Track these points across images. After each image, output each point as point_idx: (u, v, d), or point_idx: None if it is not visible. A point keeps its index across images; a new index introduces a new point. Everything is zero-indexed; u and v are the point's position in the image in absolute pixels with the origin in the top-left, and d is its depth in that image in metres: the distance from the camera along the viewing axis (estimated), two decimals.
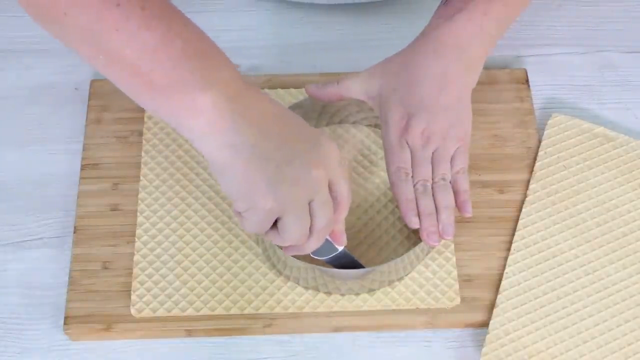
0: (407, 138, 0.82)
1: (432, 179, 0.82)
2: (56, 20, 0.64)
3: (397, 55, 0.85)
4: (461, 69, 0.83)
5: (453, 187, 0.82)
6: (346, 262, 0.80)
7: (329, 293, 0.83)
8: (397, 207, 0.87)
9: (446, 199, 0.81)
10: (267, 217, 0.70)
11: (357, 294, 0.83)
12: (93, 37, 0.64)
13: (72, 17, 0.63)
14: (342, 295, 0.83)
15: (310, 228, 0.72)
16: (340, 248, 0.78)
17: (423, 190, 0.81)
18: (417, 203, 0.81)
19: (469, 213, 0.82)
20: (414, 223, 0.81)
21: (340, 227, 0.77)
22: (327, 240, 0.76)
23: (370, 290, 0.83)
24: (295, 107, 0.88)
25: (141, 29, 0.64)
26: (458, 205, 0.82)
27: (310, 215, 0.71)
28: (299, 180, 0.69)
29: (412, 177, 0.82)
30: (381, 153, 0.90)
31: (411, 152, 0.82)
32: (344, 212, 0.75)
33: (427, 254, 0.84)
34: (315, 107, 0.89)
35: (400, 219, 0.86)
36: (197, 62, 0.66)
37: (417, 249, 0.81)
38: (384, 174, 0.89)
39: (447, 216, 0.81)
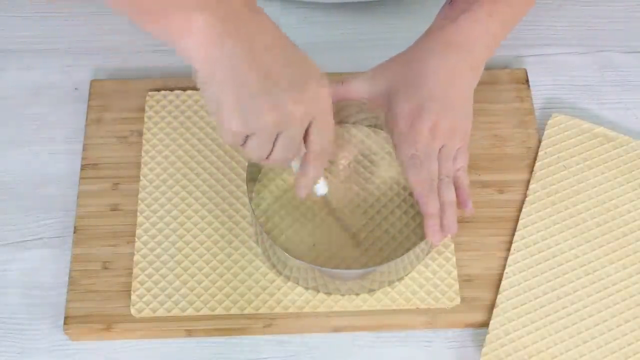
0: (414, 133, 0.81)
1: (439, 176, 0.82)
2: None
3: (401, 54, 0.85)
4: (466, 69, 0.83)
5: (454, 184, 0.82)
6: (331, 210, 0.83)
7: (329, 293, 0.83)
8: (397, 207, 0.87)
9: (451, 195, 0.81)
10: (234, 137, 0.71)
11: (357, 294, 0.83)
12: None
13: None
14: (342, 295, 0.83)
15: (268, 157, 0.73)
16: (320, 192, 0.80)
17: (429, 187, 0.81)
18: (423, 203, 0.81)
19: (471, 209, 0.82)
20: (432, 207, 0.81)
21: (302, 176, 0.77)
22: None
23: (371, 291, 0.83)
24: None
25: None
26: (460, 202, 0.82)
27: (273, 145, 0.72)
28: (270, 112, 0.69)
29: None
30: (381, 153, 0.90)
31: (418, 149, 0.82)
32: (312, 161, 0.75)
33: (427, 254, 0.84)
34: None
35: (400, 219, 0.86)
36: None
37: (417, 249, 0.81)
38: (385, 174, 0.89)
39: (452, 213, 0.81)
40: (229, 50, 0.67)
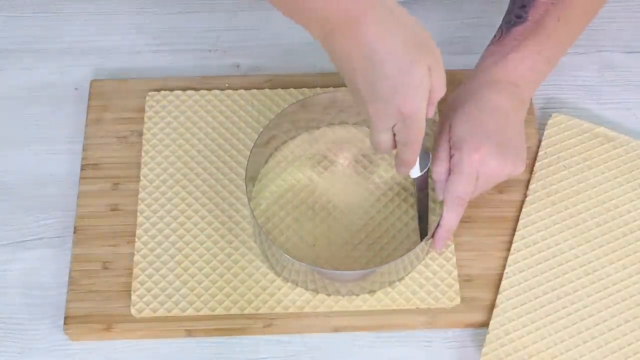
0: (478, 166, 0.81)
1: None
2: None
3: (460, 95, 0.85)
4: (517, 104, 0.85)
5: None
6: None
7: (329, 294, 0.83)
8: (397, 207, 0.87)
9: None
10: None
11: (357, 295, 0.83)
12: None
13: None
14: (343, 296, 0.83)
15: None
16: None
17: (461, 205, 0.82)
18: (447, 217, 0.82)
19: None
20: (440, 249, 0.84)
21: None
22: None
23: (371, 291, 0.83)
24: (297, 106, 0.88)
25: None
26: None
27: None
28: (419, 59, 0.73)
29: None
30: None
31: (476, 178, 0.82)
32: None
33: (427, 254, 0.84)
34: (316, 108, 0.89)
35: (400, 219, 0.87)
36: None
37: (417, 249, 0.81)
38: (385, 174, 0.89)
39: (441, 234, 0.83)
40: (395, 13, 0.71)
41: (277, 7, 0.72)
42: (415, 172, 0.81)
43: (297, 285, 0.83)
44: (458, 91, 0.86)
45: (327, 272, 0.81)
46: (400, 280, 0.83)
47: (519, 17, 0.86)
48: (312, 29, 0.72)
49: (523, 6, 0.86)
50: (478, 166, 0.80)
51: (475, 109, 0.83)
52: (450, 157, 0.81)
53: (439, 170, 0.82)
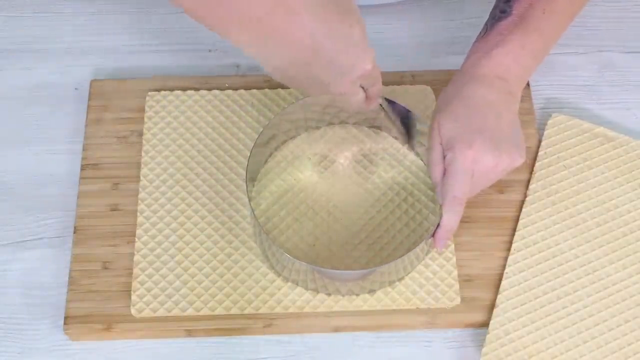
0: (474, 164, 0.80)
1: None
2: None
3: (447, 95, 0.84)
4: (506, 97, 0.84)
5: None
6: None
7: (329, 294, 0.83)
8: (397, 207, 0.87)
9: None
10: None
11: (358, 295, 0.83)
12: None
13: None
14: (343, 296, 0.83)
15: None
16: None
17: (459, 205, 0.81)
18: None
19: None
20: (441, 247, 0.81)
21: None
22: None
23: (371, 291, 0.83)
24: (296, 107, 0.88)
25: None
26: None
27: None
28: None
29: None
30: (382, 153, 0.90)
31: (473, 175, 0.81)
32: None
33: (427, 254, 0.84)
34: (316, 108, 0.89)
35: (400, 219, 0.87)
36: None
37: (417, 249, 0.81)
38: (385, 174, 0.89)
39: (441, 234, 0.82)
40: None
41: (201, 19, 0.71)
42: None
43: (297, 285, 0.83)
44: (445, 91, 0.85)
45: (327, 272, 0.81)
46: (400, 280, 0.83)
47: (503, 11, 0.86)
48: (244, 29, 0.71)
49: (508, 0, 0.86)
50: (472, 164, 0.80)
51: (462, 106, 0.82)
52: (444, 157, 0.81)
53: (436, 174, 0.81)
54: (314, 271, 0.80)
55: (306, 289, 0.83)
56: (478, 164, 0.80)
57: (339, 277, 0.81)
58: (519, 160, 0.82)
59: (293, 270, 0.81)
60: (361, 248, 0.85)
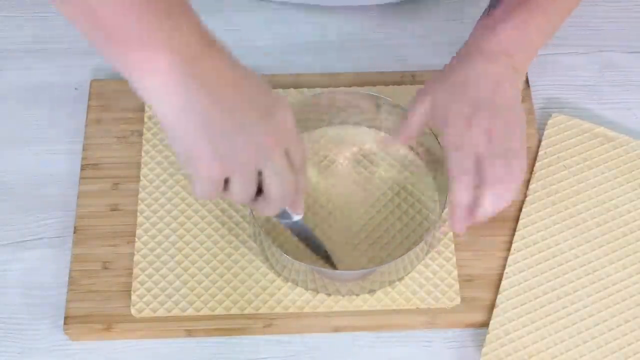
0: (470, 135, 0.78)
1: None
2: None
3: (445, 67, 0.84)
4: (509, 73, 0.82)
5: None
6: (305, 235, 0.81)
7: (329, 294, 0.83)
8: (397, 207, 0.87)
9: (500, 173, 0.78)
10: (211, 184, 0.68)
11: (358, 295, 0.83)
12: None
13: None
14: (343, 296, 0.83)
15: (264, 195, 0.71)
16: (296, 217, 0.77)
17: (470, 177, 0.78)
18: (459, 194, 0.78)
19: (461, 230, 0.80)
20: (462, 228, 0.79)
21: (297, 196, 0.75)
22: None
23: (371, 291, 0.83)
24: (297, 106, 0.88)
25: None
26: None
27: (263, 184, 0.70)
28: (246, 148, 0.67)
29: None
30: (381, 154, 0.90)
31: (476, 151, 0.79)
32: (300, 181, 0.73)
33: (427, 254, 0.84)
34: (315, 108, 0.89)
35: (401, 219, 0.87)
36: (159, 17, 0.64)
37: (417, 249, 0.81)
38: (385, 174, 0.89)
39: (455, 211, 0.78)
40: (194, 92, 0.65)
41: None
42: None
43: (297, 285, 0.83)
44: (444, 67, 0.84)
45: (327, 272, 0.81)
46: (400, 280, 0.83)
47: None
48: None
49: None
50: (469, 134, 0.78)
51: (460, 79, 0.81)
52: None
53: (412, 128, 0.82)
54: (313, 271, 0.80)
55: (306, 289, 0.83)
56: (477, 133, 0.78)
57: (339, 277, 0.81)
58: (524, 129, 0.80)
59: (293, 270, 0.81)
60: (361, 248, 0.85)
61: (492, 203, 0.77)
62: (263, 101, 0.69)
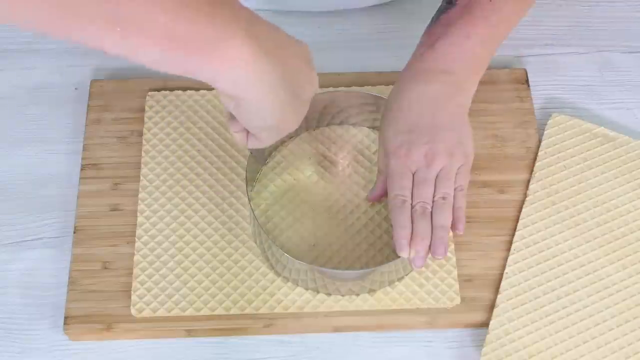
0: (409, 163, 0.80)
1: (433, 198, 0.80)
2: (64, 4, 0.59)
3: (391, 93, 0.84)
4: (451, 91, 0.82)
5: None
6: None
7: (329, 294, 0.83)
8: None
9: (443, 217, 0.79)
10: (280, 132, 0.73)
11: (358, 295, 0.83)
12: (111, 7, 0.59)
13: None
14: (343, 296, 0.83)
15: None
16: None
17: (422, 212, 0.79)
18: (413, 225, 0.79)
19: (460, 231, 0.80)
20: (403, 251, 0.78)
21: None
22: None
23: (371, 291, 0.83)
24: None
25: None
26: (452, 222, 0.80)
27: None
28: (308, 99, 0.72)
29: (411, 200, 0.80)
30: None
31: (414, 174, 0.80)
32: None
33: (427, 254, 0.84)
34: (315, 108, 0.89)
35: None
36: (222, 11, 0.63)
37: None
38: None
39: (441, 236, 0.78)
40: (274, 70, 0.66)
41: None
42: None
43: (297, 284, 0.83)
44: (391, 91, 0.84)
45: (327, 272, 0.81)
46: (400, 279, 0.83)
47: (449, 2, 0.83)
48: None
49: None
50: (406, 161, 0.80)
51: (402, 104, 0.81)
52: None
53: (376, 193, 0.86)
54: (314, 271, 0.80)
55: (306, 288, 0.83)
56: (413, 159, 0.80)
57: (339, 276, 0.81)
58: (458, 147, 0.80)
59: (293, 270, 0.81)
60: (361, 248, 0.85)
61: (437, 247, 0.79)
62: (299, 48, 0.71)
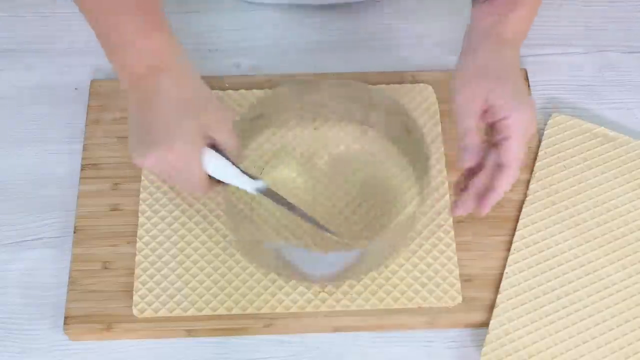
0: (493, 131, 0.80)
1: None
2: None
3: (463, 59, 0.83)
4: (518, 61, 0.84)
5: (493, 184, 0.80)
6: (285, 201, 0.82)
7: (330, 292, 0.83)
8: (380, 201, 0.87)
9: (505, 183, 0.79)
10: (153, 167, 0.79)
11: (338, 286, 0.82)
12: None
13: None
14: (314, 283, 0.82)
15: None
16: (255, 184, 0.80)
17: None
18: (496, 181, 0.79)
19: (483, 211, 0.80)
20: (467, 162, 0.79)
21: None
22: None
23: (362, 276, 0.82)
24: (292, 90, 0.88)
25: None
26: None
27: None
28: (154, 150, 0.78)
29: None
30: (365, 152, 0.90)
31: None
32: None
33: (408, 231, 0.84)
34: (296, 98, 0.89)
35: (386, 213, 0.86)
36: (131, 30, 0.78)
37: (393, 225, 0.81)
38: (364, 171, 0.89)
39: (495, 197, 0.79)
40: (135, 103, 0.78)
41: None
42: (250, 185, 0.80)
43: (268, 274, 0.83)
44: (468, 55, 0.83)
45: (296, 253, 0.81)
46: (387, 265, 0.83)
47: None
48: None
49: None
50: (526, 126, 0.79)
51: (503, 71, 0.81)
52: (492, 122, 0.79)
53: (472, 138, 0.79)
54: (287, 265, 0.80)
55: (279, 274, 0.83)
56: (530, 126, 0.80)
57: (320, 260, 0.81)
58: (531, 124, 0.81)
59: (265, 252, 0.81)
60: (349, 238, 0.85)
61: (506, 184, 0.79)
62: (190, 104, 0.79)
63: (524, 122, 0.79)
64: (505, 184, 0.78)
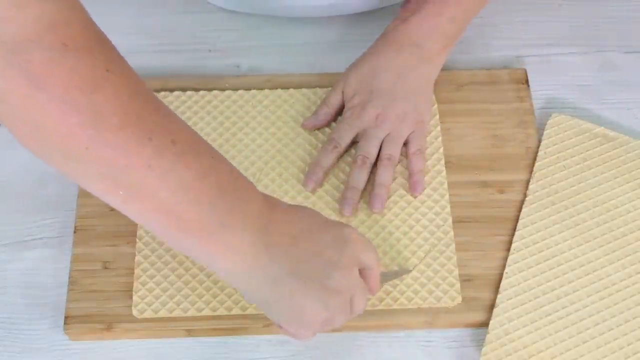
0: (359, 122, 0.87)
1: (379, 157, 0.87)
2: (73, 156, 0.61)
3: (362, 56, 0.91)
4: (415, 62, 0.88)
5: (408, 168, 0.87)
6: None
7: None
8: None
9: (384, 177, 0.86)
10: (321, 327, 0.72)
11: None
12: (116, 172, 0.61)
13: (95, 152, 0.60)
14: None
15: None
16: None
17: (361, 164, 0.86)
18: (350, 175, 0.86)
19: (417, 192, 0.87)
20: (309, 186, 0.86)
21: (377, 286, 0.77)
22: None
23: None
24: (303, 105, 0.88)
25: (175, 164, 0.62)
26: (410, 185, 0.87)
27: (351, 304, 0.73)
28: (341, 287, 0.70)
29: (353, 153, 0.88)
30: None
31: (362, 132, 0.87)
32: (376, 284, 0.76)
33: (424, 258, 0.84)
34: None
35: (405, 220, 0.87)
36: (230, 197, 0.65)
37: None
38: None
39: (379, 193, 0.85)
40: (281, 260, 0.67)
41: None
42: None
43: None
44: (358, 58, 0.91)
45: None
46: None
47: None
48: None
49: None
50: (363, 122, 0.87)
51: (368, 70, 0.88)
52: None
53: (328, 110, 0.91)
54: None
55: None
56: (364, 119, 0.87)
57: None
58: (410, 114, 0.87)
59: None
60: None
61: (375, 202, 0.86)
62: (333, 233, 0.71)
63: (354, 101, 0.88)
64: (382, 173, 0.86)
